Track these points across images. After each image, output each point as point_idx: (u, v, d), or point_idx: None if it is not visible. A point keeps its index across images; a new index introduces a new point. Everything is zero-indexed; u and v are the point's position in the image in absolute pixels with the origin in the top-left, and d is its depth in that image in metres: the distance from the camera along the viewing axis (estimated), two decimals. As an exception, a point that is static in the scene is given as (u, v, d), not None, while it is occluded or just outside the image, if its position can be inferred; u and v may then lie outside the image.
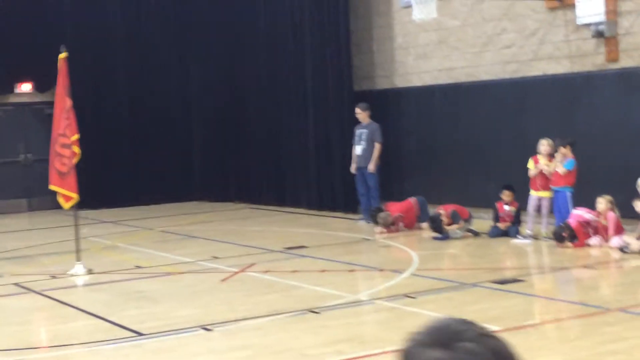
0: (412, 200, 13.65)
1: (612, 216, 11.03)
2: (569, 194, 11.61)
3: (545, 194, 11.97)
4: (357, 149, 14.42)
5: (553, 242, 11.29)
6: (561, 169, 11.62)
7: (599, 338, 6.77)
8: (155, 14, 19.43)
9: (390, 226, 13.23)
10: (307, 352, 6.71)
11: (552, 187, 11.77)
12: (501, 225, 12.28)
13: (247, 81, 18.38)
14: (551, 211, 11.91)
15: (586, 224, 11.19)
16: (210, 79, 19.34)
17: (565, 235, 11.09)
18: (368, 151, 14.24)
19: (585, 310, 7.77)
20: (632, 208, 10.83)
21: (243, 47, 18.39)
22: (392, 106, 15.74)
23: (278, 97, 17.48)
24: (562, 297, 8.72)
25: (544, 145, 11.90)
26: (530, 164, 11.97)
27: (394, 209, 13.40)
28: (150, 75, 19.25)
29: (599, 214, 11.15)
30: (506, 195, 12.33)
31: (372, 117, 14.53)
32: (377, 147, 14.19)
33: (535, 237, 11.82)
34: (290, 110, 17.20)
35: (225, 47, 18.87)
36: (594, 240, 11.07)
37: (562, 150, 11.68)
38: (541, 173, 11.92)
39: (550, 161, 11.79)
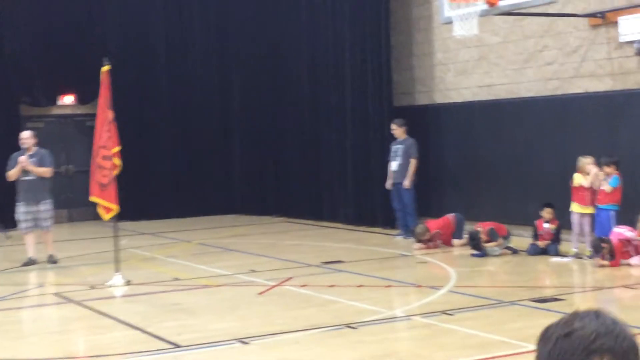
0: (449, 216, 13.60)
1: (655, 236, 10.93)
2: (612, 213, 11.51)
3: (588, 211, 11.88)
4: (393, 165, 14.41)
5: (593, 261, 11.19)
6: (607, 187, 11.53)
7: None
8: (197, 30, 19.59)
9: (428, 242, 13.19)
10: (343, 368, 6.70)
11: (597, 204, 11.67)
12: (540, 243, 12.18)
13: (288, 96, 18.45)
14: (593, 229, 11.83)
15: (627, 242, 11.09)
16: (251, 94, 19.43)
17: (605, 246, 11.00)
18: (404, 167, 14.21)
19: (626, 331, 7.67)
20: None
21: (284, 64, 18.51)
22: (431, 122, 15.72)
23: (318, 112, 17.54)
24: (602, 316, 8.62)
25: (583, 162, 11.86)
26: (577, 178, 11.86)
27: (432, 225, 13.35)
28: (191, 89, 19.39)
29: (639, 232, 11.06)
30: (547, 212, 12.25)
31: (411, 132, 14.50)
32: (413, 162, 14.17)
33: (576, 255, 11.72)
34: (329, 125, 17.23)
35: (266, 63, 18.98)
36: (635, 259, 10.96)
37: (607, 168, 11.60)
38: (585, 188, 11.82)
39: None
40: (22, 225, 12.73)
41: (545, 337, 1.68)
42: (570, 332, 1.62)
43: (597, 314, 1.68)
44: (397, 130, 14.50)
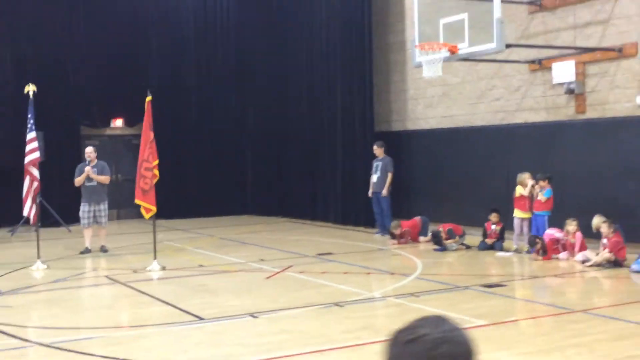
0: (417, 218, 13.66)
1: (579, 236, 10.96)
2: (546, 218, 11.60)
3: (526, 215, 11.95)
4: (374, 177, 14.44)
5: (530, 256, 11.23)
6: (542, 197, 11.61)
7: (565, 333, 6.72)
8: (220, 66, 19.61)
9: (400, 238, 13.24)
10: (333, 338, 6.72)
11: (534, 211, 11.75)
12: (488, 241, 12.25)
13: (291, 122, 18.48)
14: (530, 231, 11.89)
15: (556, 241, 11.16)
16: (262, 120, 19.45)
17: (538, 242, 11.08)
18: (382, 179, 14.26)
19: (554, 311, 7.72)
20: (592, 229, 10.76)
21: (289, 96, 18.57)
22: (404, 144, 15.76)
23: (315, 135, 17.56)
24: (536, 299, 8.66)
25: (522, 178, 11.94)
26: (518, 190, 11.96)
27: (404, 224, 13.43)
28: (214, 114, 19.40)
29: (567, 233, 11.10)
30: (494, 216, 12.32)
31: (387, 152, 14.55)
32: (389, 176, 14.22)
33: (516, 251, 11.78)
34: (324, 145, 17.26)
35: (274, 93, 19.02)
36: (563, 254, 11.03)
37: (542, 182, 11.68)
38: (524, 197, 11.90)
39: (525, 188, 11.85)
40: (84, 221, 12.74)
41: (393, 341, 1.57)
42: (414, 339, 1.53)
43: (440, 321, 1.59)
44: (377, 150, 14.54)
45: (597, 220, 10.68)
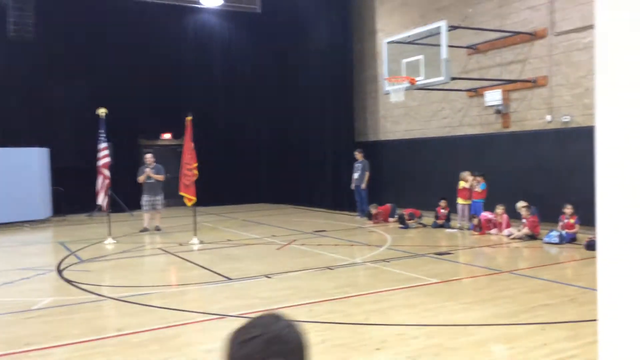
0: (388, 205, 13.67)
1: (505, 217, 10.99)
2: (481, 203, 11.62)
3: (466, 202, 11.96)
4: (355, 175, 14.43)
5: (469, 232, 11.26)
6: (478, 189, 11.63)
7: (496, 288, 6.75)
8: (240, 92, 19.58)
9: (375, 218, 13.23)
10: (326, 292, 6.72)
11: (473, 199, 11.77)
12: (439, 221, 12.27)
13: (294, 133, 18.48)
14: (469, 213, 11.91)
15: (488, 220, 11.19)
16: (272, 132, 19.45)
17: (475, 221, 11.11)
18: (361, 176, 14.25)
19: (488, 272, 7.75)
20: (516, 213, 10.79)
21: (292, 114, 18.55)
22: (377, 151, 15.78)
23: (311, 143, 17.57)
24: (475, 263, 8.69)
25: (464, 174, 11.97)
26: (461, 184, 11.99)
27: (379, 208, 13.43)
28: (236, 128, 19.37)
29: (496, 215, 11.13)
30: (443, 203, 12.31)
31: (366, 156, 14.55)
32: (367, 174, 14.21)
33: (459, 228, 11.80)
34: (318, 151, 17.27)
35: (281, 114, 19.01)
36: (493, 231, 11.06)
37: (478, 178, 11.70)
38: (465, 189, 11.93)
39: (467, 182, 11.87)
40: (145, 207, 12.72)
41: (230, 342, 1.29)
42: (248, 339, 1.26)
43: (273, 320, 1.31)
44: (358, 154, 14.53)
45: (519, 205, 10.73)
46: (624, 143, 1.63)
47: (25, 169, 14.44)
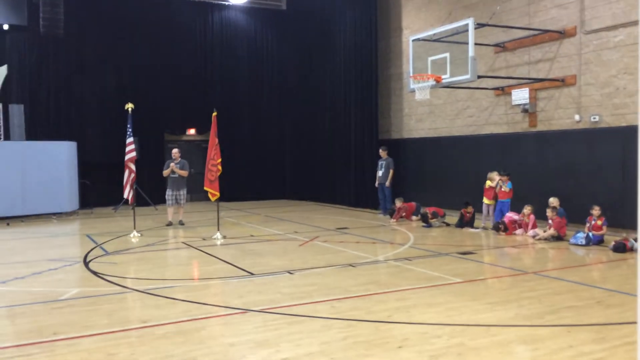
0: (413, 203, 13.62)
1: (532, 217, 10.88)
2: (508, 203, 11.51)
3: (491, 202, 11.86)
4: (379, 172, 14.39)
5: (493, 232, 11.17)
6: (505, 188, 11.52)
7: (520, 289, 6.69)
8: (265, 88, 19.70)
9: (398, 212, 13.17)
10: (348, 289, 6.73)
11: (500, 199, 11.67)
12: (464, 221, 12.16)
13: (318, 131, 18.52)
14: (494, 212, 11.81)
15: (514, 221, 11.08)
16: (297, 130, 19.52)
17: (501, 227, 10.99)
18: (385, 174, 14.21)
19: (512, 272, 7.68)
20: (543, 213, 10.67)
21: (317, 111, 18.58)
22: (401, 149, 15.73)
23: (335, 141, 17.58)
24: (499, 263, 8.61)
25: (491, 174, 11.86)
26: (488, 183, 11.89)
27: (404, 204, 13.38)
28: (261, 124, 19.50)
29: (523, 215, 11.02)
30: (470, 208, 11.97)
31: (390, 154, 14.52)
32: (391, 172, 14.16)
33: (484, 228, 11.71)
34: (342, 149, 17.28)
35: (306, 111, 19.06)
36: (519, 231, 10.95)
37: (504, 177, 11.60)
38: (491, 189, 11.83)
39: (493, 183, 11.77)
40: (169, 202, 12.88)
41: None
42: None
43: None
44: (382, 152, 14.50)
45: (552, 200, 10.77)
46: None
47: (54, 162, 14.75)
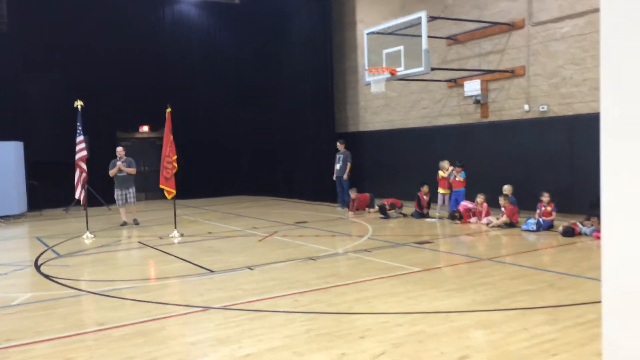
0: (367, 194, 13.75)
1: (485, 206, 11.14)
2: (462, 192, 11.74)
3: (446, 192, 12.08)
4: (337, 166, 14.45)
5: (449, 220, 11.39)
6: (459, 178, 11.75)
7: (476, 275, 6.85)
8: (222, 84, 19.48)
9: (351, 205, 13.32)
10: (309, 282, 6.75)
11: (454, 188, 11.89)
12: (422, 210, 12.35)
13: (275, 125, 18.45)
14: (449, 202, 12.03)
15: (468, 210, 11.32)
16: (253, 124, 19.38)
17: (456, 215, 11.21)
18: (343, 167, 14.28)
19: (468, 259, 7.84)
20: (495, 201, 10.94)
21: (274, 105, 18.49)
22: (357, 141, 15.83)
23: (292, 135, 17.56)
24: (455, 251, 8.79)
25: (442, 164, 12.09)
26: (440, 173, 12.11)
27: (358, 194, 13.51)
28: (218, 120, 19.28)
29: (477, 204, 11.27)
30: (425, 188, 12.30)
31: (347, 147, 14.60)
32: (348, 165, 14.24)
33: (439, 218, 11.91)
34: (299, 142, 17.27)
35: (263, 105, 18.95)
36: (473, 219, 11.20)
37: (458, 168, 11.82)
38: (445, 179, 12.05)
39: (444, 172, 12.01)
40: (118, 202, 12.61)
41: None
42: None
43: None
44: (340, 145, 14.55)
45: (506, 187, 10.98)
46: (630, 131, 1.63)
47: (0, 163, 14.18)
